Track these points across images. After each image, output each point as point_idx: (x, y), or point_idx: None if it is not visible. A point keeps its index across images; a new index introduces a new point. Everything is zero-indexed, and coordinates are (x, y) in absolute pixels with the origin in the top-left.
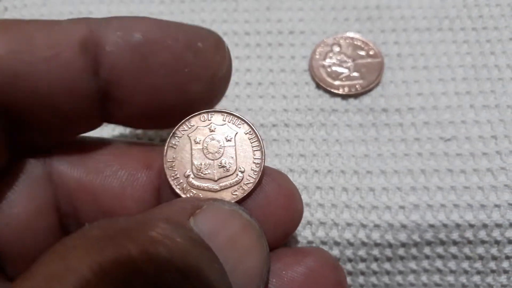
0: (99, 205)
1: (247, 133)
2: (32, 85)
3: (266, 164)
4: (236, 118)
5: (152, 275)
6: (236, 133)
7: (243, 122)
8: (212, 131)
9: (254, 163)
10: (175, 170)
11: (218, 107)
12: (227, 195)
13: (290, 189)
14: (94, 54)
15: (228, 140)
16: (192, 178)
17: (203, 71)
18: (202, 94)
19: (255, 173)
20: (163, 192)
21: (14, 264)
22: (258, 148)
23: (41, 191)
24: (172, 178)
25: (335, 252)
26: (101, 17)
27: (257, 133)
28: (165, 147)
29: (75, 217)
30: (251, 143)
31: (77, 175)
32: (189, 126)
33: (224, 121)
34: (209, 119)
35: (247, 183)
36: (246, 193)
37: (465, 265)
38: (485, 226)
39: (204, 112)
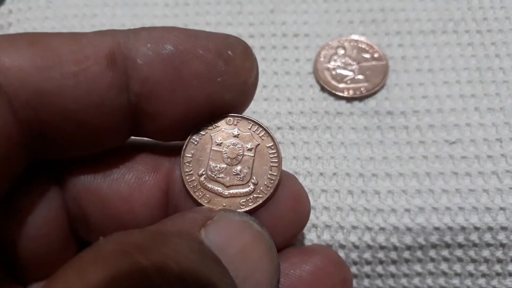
0: (107, 209)
1: (269, 147)
2: (58, 101)
3: None
4: (262, 129)
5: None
6: (258, 144)
7: (268, 135)
8: (236, 136)
9: (269, 178)
10: (190, 167)
11: None
12: (234, 204)
13: (297, 190)
14: (123, 67)
15: (249, 150)
16: (205, 178)
17: (235, 79)
18: (234, 102)
19: (267, 189)
20: (171, 195)
21: (27, 270)
22: (276, 165)
23: (52, 196)
24: (186, 173)
25: (341, 255)
26: (129, 29)
27: (279, 150)
28: (186, 142)
29: (84, 220)
30: (271, 158)
31: (84, 179)
32: (214, 126)
33: (250, 129)
34: (235, 124)
35: (256, 197)
36: (253, 206)
37: (471, 268)
38: (490, 229)
39: (231, 116)
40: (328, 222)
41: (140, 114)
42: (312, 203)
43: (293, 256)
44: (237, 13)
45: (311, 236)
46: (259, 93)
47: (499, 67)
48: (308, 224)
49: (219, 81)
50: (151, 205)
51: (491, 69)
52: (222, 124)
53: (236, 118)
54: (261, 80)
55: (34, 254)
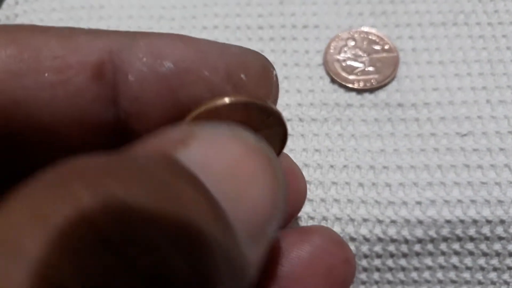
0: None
1: None
2: (33, 113)
3: None
4: None
5: (111, 230)
6: None
7: None
8: None
9: None
10: None
11: None
12: None
13: (290, 167)
14: (112, 80)
15: None
16: None
17: None
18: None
19: None
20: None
21: None
22: None
23: None
24: None
25: (351, 248)
26: (127, 33)
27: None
28: None
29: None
30: None
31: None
32: None
33: None
34: None
35: None
36: None
37: (482, 261)
38: (502, 222)
39: None
40: (338, 215)
41: (127, 132)
42: (322, 195)
43: (290, 235)
44: (245, 4)
45: None
46: None
47: (510, 59)
48: (319, 217)
49: None
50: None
51: (502, 62)
52: None
53: None
54: None
55: None
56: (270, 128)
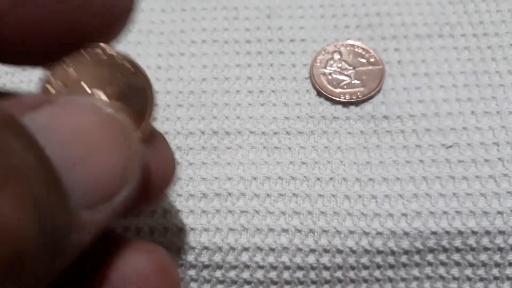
0: None
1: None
2: None
3: (267, 175)
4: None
5: None
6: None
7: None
8: None
9: None
10: None
11: None
12: None
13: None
14: None
15: None
16: None
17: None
18: (96, 27)
19: None
20: None
21: None
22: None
23: None
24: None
25: (338, 260)
26: None
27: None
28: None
29: None
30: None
31: None
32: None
33: None
34: None
35: None
36: None
37: (468, 272)
38: (488, 233)
39: None
40: (325, 227)
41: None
42: (309, 208)
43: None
44: (233, 18)
45: (308, 242)
46: (256, 98)
47: (496, 70)
48: (305, 229)
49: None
50: None
51: (487, 73)
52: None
53: None
54: (258, 85)
55: None
56: (138, 90)
